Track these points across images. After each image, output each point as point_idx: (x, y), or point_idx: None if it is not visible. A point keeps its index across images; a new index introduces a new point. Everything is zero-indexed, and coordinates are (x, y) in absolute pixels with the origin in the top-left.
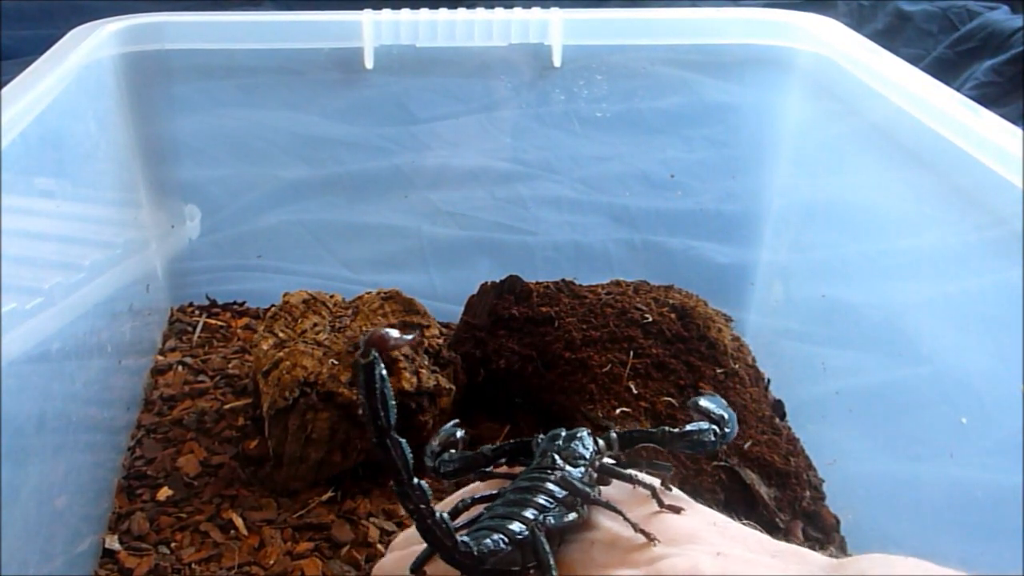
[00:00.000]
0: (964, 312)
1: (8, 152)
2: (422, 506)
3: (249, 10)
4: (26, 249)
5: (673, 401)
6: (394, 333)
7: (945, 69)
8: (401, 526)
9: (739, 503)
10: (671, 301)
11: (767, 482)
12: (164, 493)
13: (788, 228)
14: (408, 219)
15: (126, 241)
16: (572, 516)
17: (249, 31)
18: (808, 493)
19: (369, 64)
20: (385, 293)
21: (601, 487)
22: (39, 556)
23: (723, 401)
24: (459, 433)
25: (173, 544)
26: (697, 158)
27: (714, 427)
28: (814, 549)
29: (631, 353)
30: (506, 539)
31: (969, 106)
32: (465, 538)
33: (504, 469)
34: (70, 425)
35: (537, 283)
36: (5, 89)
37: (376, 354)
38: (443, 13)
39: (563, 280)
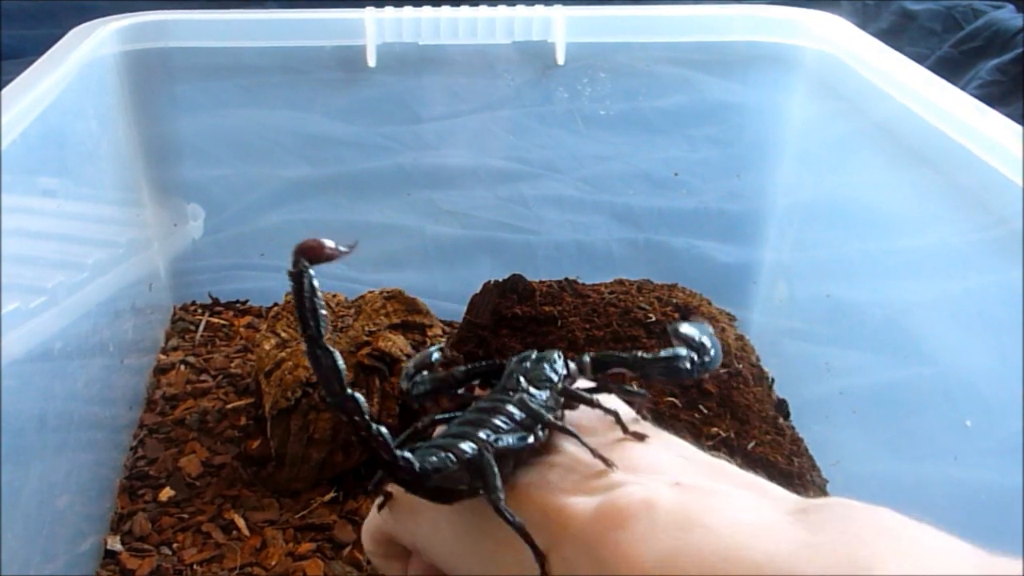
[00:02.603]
0: (968, 312)
1: (9, 151)
2: (356, 418)
3: (252, 7)
4: (28, 248)
5: (676, 401)
6: (329, 243)
7: (949, 68)
8: None
9: None
10: (674, 300)
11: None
12: (166, 493)
13: (792, 227)
14: (410, 218)
15: (129, 240)
16: (529, 439)
17: (252, 29)
18: (812, 494)
19: (372, 62)
20: (387, 292)
21: (569, 411)
22: (41, 556)
23: (710, 329)
24: (435, 356)
25: (175, 545)
26: (700, 157)
27: (692, 354)
28: None
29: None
30: (453, 457)
31: (974, 105)
32: (407, 453)
33: (479, 392)
34: (72, 424)
35: (540, 282)
36: (7, 88)
37: (306, 264)
38: (446, 11)
39: (566, 279)
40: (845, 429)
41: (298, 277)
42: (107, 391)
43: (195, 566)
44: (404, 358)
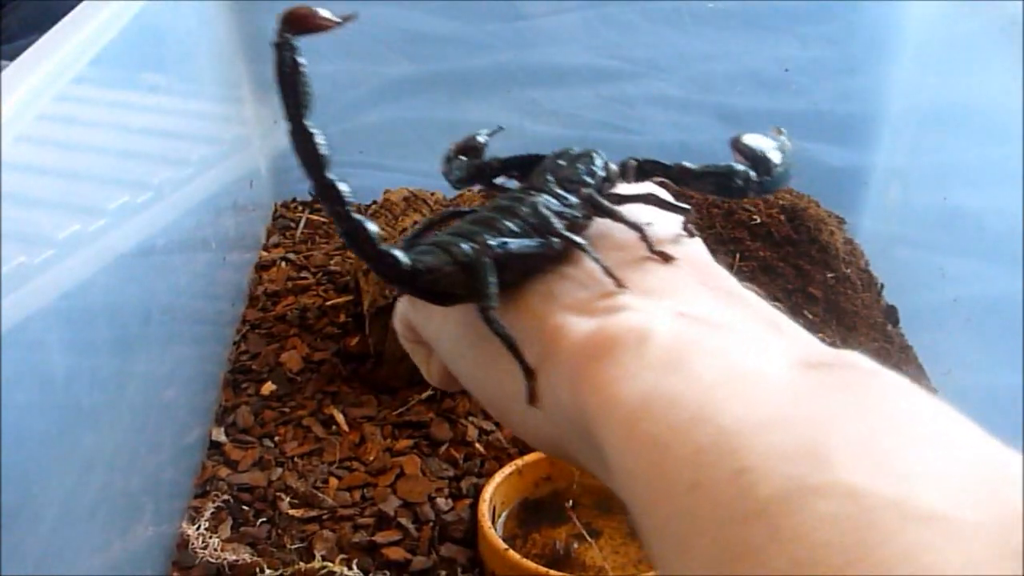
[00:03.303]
0: None
1: (112, 47)
2: (337, 208)
3: None
4: (134, 144)
5: (780, 305)
6: (321, 11)
7: None
8: (499, 426)
9: None
10: (781, 202)
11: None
12: (268, 388)
13: (908, 129)
14: (510, 117)
15: (231, 137)
16: (537, 245)
17: None
18: None
19: None
20: (486, 191)
21: (600, 219)
22: (147, 446)
23: (781, 142)
24: (482, 137)
25: (277, 438)
26: (812, 55)
27: (750, 170)
28: None
29: (737, 255)
30: (448, 257)
31: None
32: (394, 250)
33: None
34: (176, 318)
35: None
36: None
37: (289, 36)
38: None
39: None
40: (958, 338)
41: (278, 50)
42: (210, 286)
43: (296, 459)
44: None
